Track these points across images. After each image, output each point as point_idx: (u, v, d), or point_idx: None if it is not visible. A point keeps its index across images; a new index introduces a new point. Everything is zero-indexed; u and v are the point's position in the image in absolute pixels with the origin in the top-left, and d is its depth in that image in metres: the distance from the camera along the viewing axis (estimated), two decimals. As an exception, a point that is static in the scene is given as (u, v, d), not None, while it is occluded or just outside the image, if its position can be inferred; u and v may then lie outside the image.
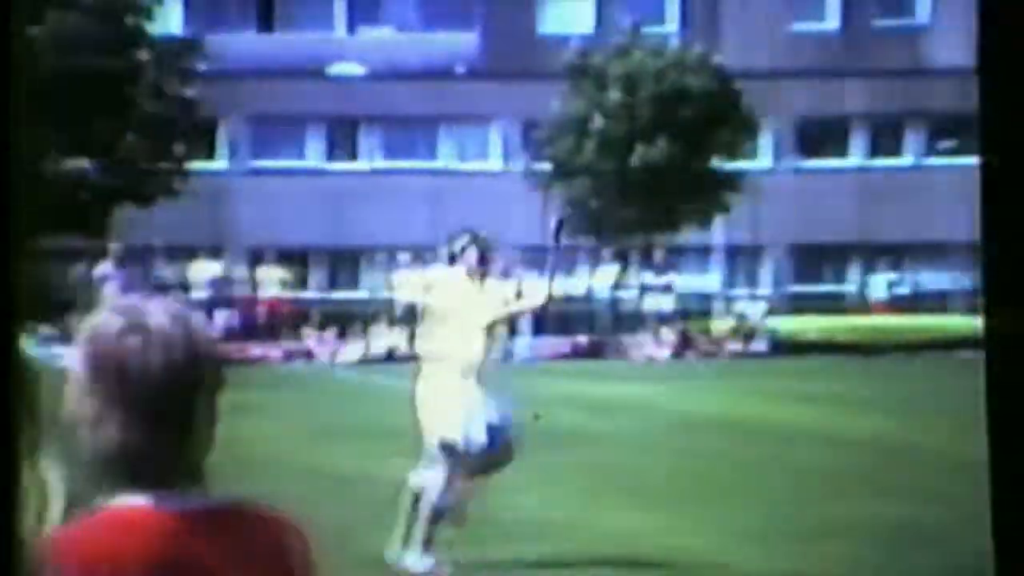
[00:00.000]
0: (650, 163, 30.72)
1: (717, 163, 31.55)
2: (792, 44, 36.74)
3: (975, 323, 25.25)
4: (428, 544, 7.55)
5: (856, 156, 37.50)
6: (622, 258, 30.33)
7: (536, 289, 8.12)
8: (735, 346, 27.75)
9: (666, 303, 28.21)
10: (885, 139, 37.50)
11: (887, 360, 25.13)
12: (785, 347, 27.21)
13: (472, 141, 37.17)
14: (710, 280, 33.21)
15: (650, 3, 36.99)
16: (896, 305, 29.49)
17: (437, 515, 7.56)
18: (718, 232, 33.19)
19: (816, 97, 36.22)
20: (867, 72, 36.18)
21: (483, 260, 7.69)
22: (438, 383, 7.51)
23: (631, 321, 28.43)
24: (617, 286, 29.22)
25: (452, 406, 7.46)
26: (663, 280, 28.99)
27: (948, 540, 8.35)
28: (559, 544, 8.24)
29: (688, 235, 31.59)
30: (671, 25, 36.78)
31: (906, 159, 37.25)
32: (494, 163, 37.27)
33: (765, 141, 36.05)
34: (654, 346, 27.41)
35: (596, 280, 29.80)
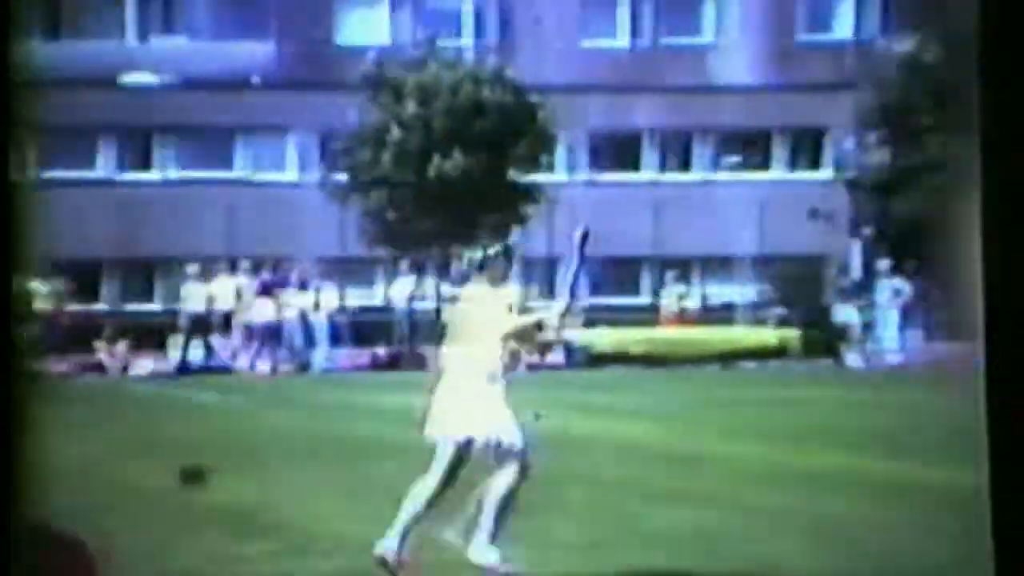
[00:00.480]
0: (446, 175, 30.99)
1: (513, 175, 31.97)
2: (584, 59, 37.42)
3: (761, 335, 26.01)
4: (494, 536, 7.64)
5: (647, 170, 38.34)
6: (419, 269, 30.53)
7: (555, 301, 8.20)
8: (531, 358, 28.13)
9: (463, 314, 28.42)
10: (674, 154, 38.44)
11: (677, 371, 25.76)
12: (581, 359, 27.71)
13: (268, 152, 36.96)
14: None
15: (446, 16, 37.29)
16: (686, 317, 30.24)
17: (504, 507, 7.63)
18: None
19: (608, 112, 36.94)
20: (656, 88, 37.03)
21: (508, 270, 7.76)
22: (456, 386, 7.60)
23: (429, 332, 28.62)
24: (414, 297, 29.40)
25: (469, 408, 7.57)
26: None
27: (739, 545, 8.69)
28: (359, 558, 8.34)
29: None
30: (467, 39, 37.14)
31: (695, 174, 38.22)
32: (290, 174, 37.11)
33: (560, 154, 36.63)
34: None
35: (394, 291, 29.93)
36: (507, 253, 7.81)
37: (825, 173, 36.73)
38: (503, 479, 7.61)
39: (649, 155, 38.46)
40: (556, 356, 28.35)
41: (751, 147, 37.78)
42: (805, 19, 38.25)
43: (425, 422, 7.75)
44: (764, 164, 38.05)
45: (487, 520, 7.62)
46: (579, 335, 29.31)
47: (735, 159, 36.89)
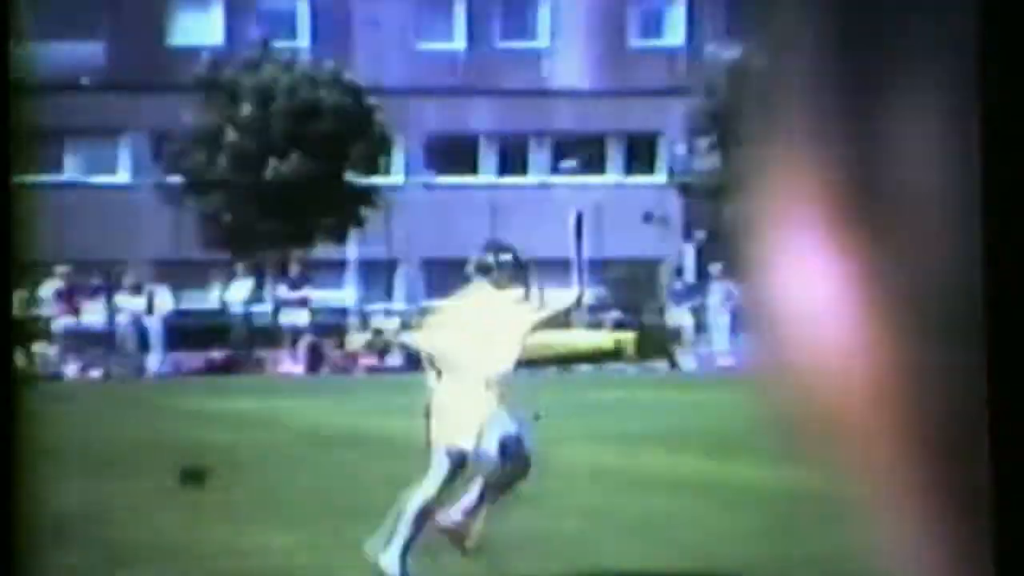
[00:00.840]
0: (284, 177, 30.79)
1: (351, 178, 31.89)
2: (422, 62, 37.46)
3: (597, 337, 26.19)
4: (407, 548, 7.48)
5: (485, 173, 38.52)
6: (257, 272, 30.28)
7: (565, 291, 8.09)
8: (370, 361, 28.08)
9: (301, 317, 28.34)
10: (511, 157, 38.67)
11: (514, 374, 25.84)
12: (419, 362, 27.65)
13: (99, 154, 36.32)
14: (345, 294, 33.51)
15: (281, 17, 37.03)
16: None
17: (420, 520, 7.49)
18: (353, 246, 33.51)
19: (445, 115, 37.03)
20: (493, 91, 37.24)
21: (518, 273, 7.64)
22: (458, 393, 7.46)
23: (266, 336, 28.41)
24: (252, 300, 29.15)
25: (469, 416, 7.44)
26: (298, 294, 29.10)
27: (570, 547, 8.80)
28: (192, 565, 8.25)
29: (323, 249, 31.80)
30: (302, 40, 36.92)
31: (531, 177, 38.50)
32: (122, 176, 36.51)
33: (398, 157, 36.60)
34: (289, 361, 27.47)
35: (231, 294, 29.64)
36: (516, 260, 7.75)
37: (659, 177, 37.29)
38: (423, 492, 7.51)
39: (486, 158, 38.64)
40: (394, 359, 28.34)
41: (587, 151, 38.18)
42: (638, 25, 38.79)
43: (428, 429, 7.64)
44: (599, 168, 38.47)
45: (404, 529, 7.52)
46: (401, 337, 29.35)
47: (571, 163, 37.25)
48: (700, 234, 33.22)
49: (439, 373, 7.62)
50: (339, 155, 31.49)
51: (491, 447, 7.52)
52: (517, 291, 7.79)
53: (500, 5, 38.41)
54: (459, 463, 7.53)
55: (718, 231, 30.76)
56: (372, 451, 13.81)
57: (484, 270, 7.72)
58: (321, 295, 31.16)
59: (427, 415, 7.63)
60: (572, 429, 15.95)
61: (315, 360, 27.69)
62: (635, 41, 38.60)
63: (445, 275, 42.87)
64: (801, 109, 0.30)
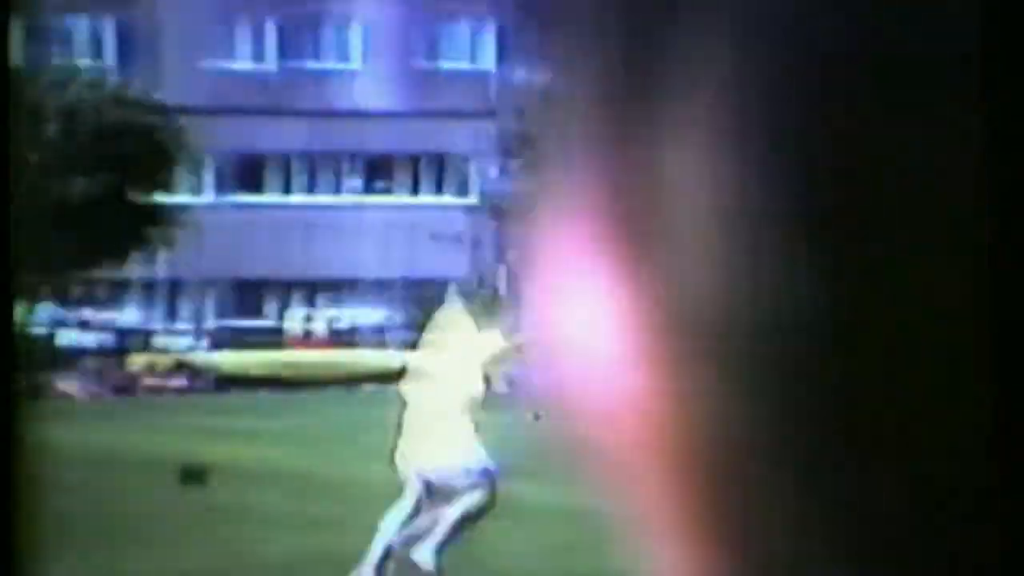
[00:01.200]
0: (89, 197, 30.27)
1: (158, 198, 31.47)
2: (230, 82, 37.14)
3: (387, 357, 25.84)
4: (443, 546, 7.64)
5: (297, 193, 38.32)
6: (61, 294, 29.68)
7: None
8: (165, 381, 27.70)
9: (97, 338, 27.84)
10: (323, 177, 38.55)
11: (304, 394, 25.64)
12: (216, 382, 27.44)
13: None
14: (144, 314, 33.00)
15: (84, 37, 36.43)
16: (312, 340, 30.36)
17: (462, 523, 7.65)
18: (158, 266, 33.03)
19: (255, 134, 36.76)
20: (303, 112, 37.09)
21: (495, 300, 7.80)
22: (429, 416, 7.56)
23: (56, 358, 27.86)
24: (55, 323, 28.58)
25: (441, 438, 7.56)
26: (98, 315, 28.60)
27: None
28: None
29: (127, 270, 31.29)
30: (108, 60, 36.37)
31: (343, 197, 38.42)
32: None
33: (206, 177, 36.20)
34: (82, 383, 26.94)
35: (33, 317, 28.98)
36: (494, 293, 8.06)
37: (470, 198, 37.50)
38: (473, 499, 7.70)
39: (297, 178, 38.45)
40: (195, 379, 28.01)
41: (398, 172, 38.24)
42: (450, 47, 39.02)
43: (394, 455, 7.79)
44: (412, 189, 38.55)
45: (442, 529, 7.69)
46: (215, 357, 29.06)
47: (382, 184, 37.28)
48: (512, 255, 33.44)
49: (409, 395, 7.82)
50: (146, 175, 31.07)
51: (465, 471, 7.73)
52: (487, 321, 8.06)
53: (311, 25, 38.30)
54: (431, 485, 7.76)
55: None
56: (158, 474, 13.57)
57: (463, 297, 8.16)
58: (122, 316, 30.63)
59: (398, 435, 7.82)
60: (359, 449, 15.81)
61: (116, 382, 27.22)
62: (447, 63, 38.82)
63: (254, 295, 42.59)
64: (581, 130, 0.31)
